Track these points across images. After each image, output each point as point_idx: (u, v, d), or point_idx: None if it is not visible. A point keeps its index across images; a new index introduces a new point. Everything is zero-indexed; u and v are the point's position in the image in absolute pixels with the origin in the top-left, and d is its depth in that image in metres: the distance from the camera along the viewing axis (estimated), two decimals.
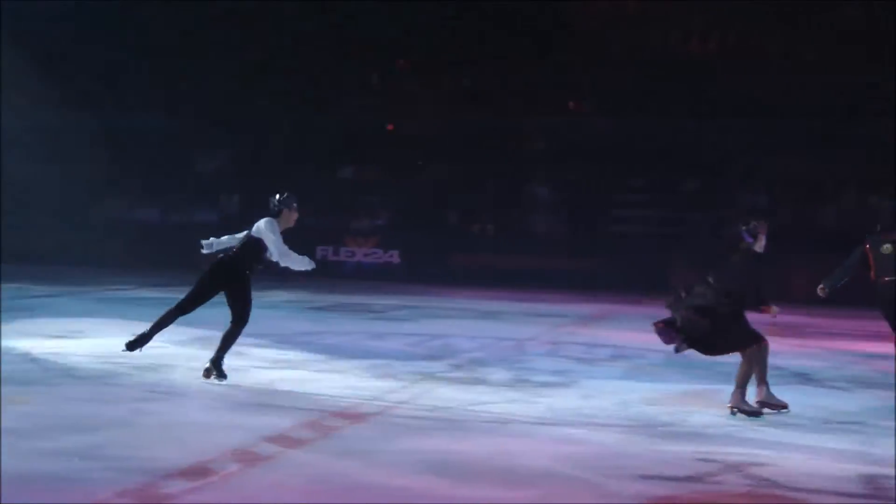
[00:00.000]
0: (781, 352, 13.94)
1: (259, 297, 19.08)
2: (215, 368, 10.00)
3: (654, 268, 20.37)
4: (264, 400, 9.26)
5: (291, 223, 10.20)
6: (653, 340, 14.55)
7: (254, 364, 11.29)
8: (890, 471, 7.20)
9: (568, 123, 28.55)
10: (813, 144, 27.62)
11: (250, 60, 29.22)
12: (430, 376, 10.88)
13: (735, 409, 9.20)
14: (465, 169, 27.97)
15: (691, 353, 13.26)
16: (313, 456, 7.35)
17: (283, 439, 7.71)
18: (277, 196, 10.17)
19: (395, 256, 25.66)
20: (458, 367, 11.67)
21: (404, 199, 27.39)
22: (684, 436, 8.40)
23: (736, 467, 7.21)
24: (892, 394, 10.77)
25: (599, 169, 27.54)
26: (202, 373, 10.00)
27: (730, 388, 9.90)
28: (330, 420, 8.48)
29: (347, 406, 9.03)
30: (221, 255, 10.18)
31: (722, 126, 28.15)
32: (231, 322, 10.06)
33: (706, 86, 28.61)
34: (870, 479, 6.99)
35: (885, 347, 14.68)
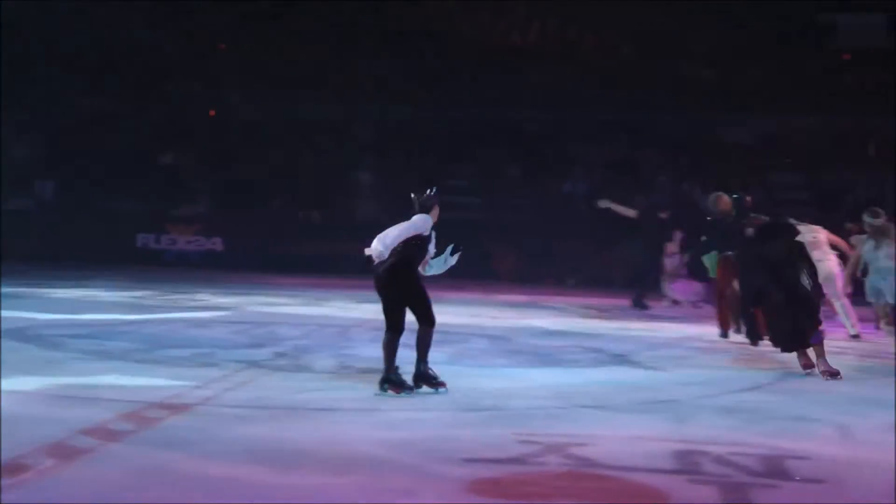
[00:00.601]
0: (601, 334, 14.35)
1: (76, 287, 18.69)
2: (425, 381, 9.54)
3: (478, 253, 20.53)
4: (81, 392, 9.01)
5: (436, 219, 9.84)
6: (477, 325, 14.84)
7: (70, 355, 10.99)
8: (702, 447, 7.45)
9: (392, 110, 28.63)
10: (630, 132, 28.47)
11: (68, 41, 28.35)
12: (255, 364, 10.77)
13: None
14: (289, 155, 27.75)
15: (517, 339, 13.54)
16: (133, 448, 7.18)
17: (101, 432, 7.52)
18: (428, 191, 9.92)
19: (218, 244, 25.29)
20: (282, 354, 11.59)
21: (227, 186, 27.01)
22: (507, 418, 8.52)
23: (557, 448, 7.35)
24: (705, 372, 11.19)
25: (424, 155, 27.72)
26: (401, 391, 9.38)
27: (555, 372, 10.15)
28: (150, 411, 8.30)
29: (168, 396, 8.86)
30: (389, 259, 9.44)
31: (542, 113, 28.72)
32: (419, 326, 9.60)
33: (527, 73, 29.12)
34: (684, 455, 7.22)
35: (700, 328, 15.26)
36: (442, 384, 9.50)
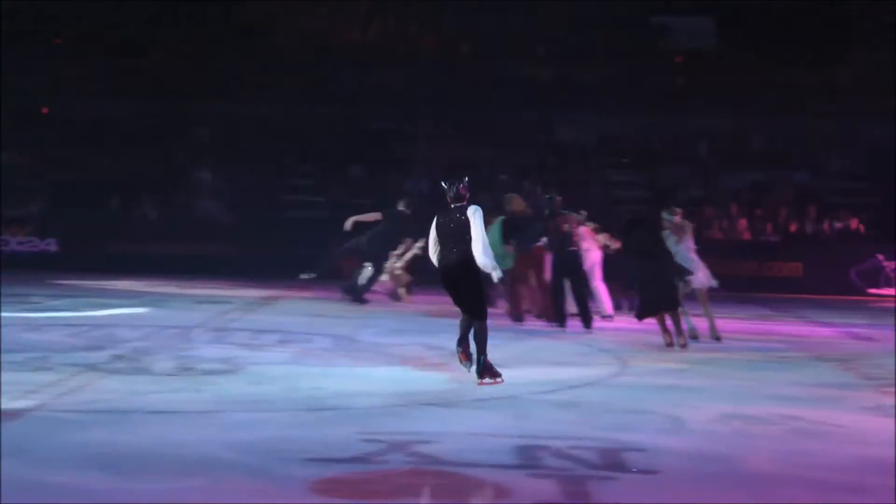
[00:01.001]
0: (442, 332, 14.44)
1: None
2: (488, 373, 9.99)
3: (321, 253, 20.38)
4: None
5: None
6: (320, 325, 14.79)
7: None
8: (542, 442, 7.60)
9: (233, 109, 28.32)
10: (470, 131, 28.79)
11: None
12: (92, 368, 10.52)
13: None
14: (125, 153, 27.17)
15: (359, 337, 13.55)
16: None
17: None
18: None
19: (52, 244, 24.59)
20: (120, 357, 11.35)
21: (61, 185, 26.29)
22: (350, 418, 8.54)
23: (400, 446, 7.40)
24: (545, 368, 11.40)
25: (267, 154, 27.51)
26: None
27: (398, 371, 10.19)
28: None
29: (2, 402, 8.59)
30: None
31: (384, 111, 28.82)
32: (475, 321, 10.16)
33: (369, 72, 29.16)
34: (524, 451, 7.35)
35: (535, 324, 15.54)
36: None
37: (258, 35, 29.90)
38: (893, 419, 8.76)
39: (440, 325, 15.29)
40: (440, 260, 10.11)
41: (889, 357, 12.93)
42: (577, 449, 7.39)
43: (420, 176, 27.76)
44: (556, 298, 15.24)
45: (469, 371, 10.06)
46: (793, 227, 26.18)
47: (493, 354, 12.24)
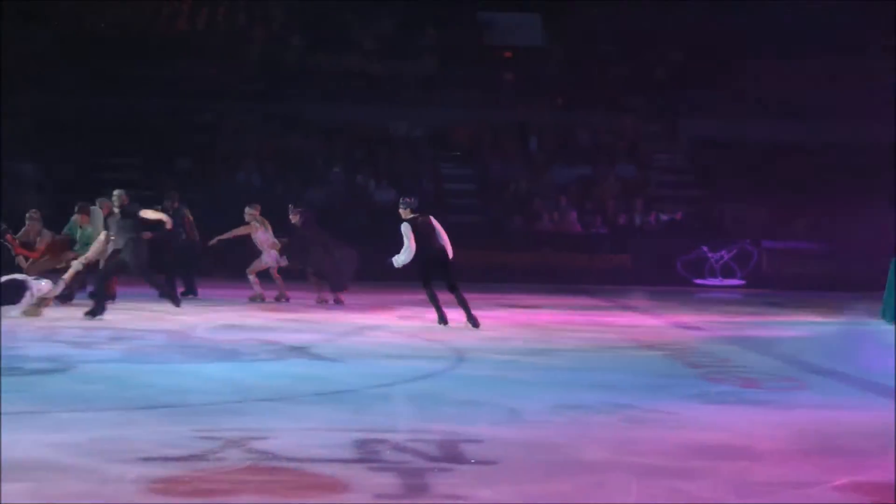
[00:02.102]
0: (278, 327, 14.35)
1: None
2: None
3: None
4: None
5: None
6: (153, 323, 14.50)
7: None
8: (380, 435, 7.60)
9: (51, 99, 27.52)
10: (301, 124, 28.67)
11: None
12: None
13: None
14: None
15: (193, 334, 13.32)
16: None
17: None
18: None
19: None
20: None
21: None
22: (184, 415, 8.38)
23: (236, 443, 7.30)
24: (382, 361, 11.43)
25: (89, 146, 26.82)
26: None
27: (233, 366, 10.04)
28: None
29: None
30: None
31: (211, 104, 28.44)
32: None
33: (194, 63, 28.76)
34: (362, 444, 7.33)
35: (375, 319, 15.56)
36: None
37: (80, 25, 29.14)
38: (717, 406, 9.10)
39: (276, 320, 15.21)
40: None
41: (713, 345, 13.40)
42: (415, 441, 7.42)
43: (251, 170, 27.49)
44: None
45: None
46: (621, 220, 26.86)
47: (331, 347, 12.28)
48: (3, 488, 6.18)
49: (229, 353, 11.82)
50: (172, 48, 29.01)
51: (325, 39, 30.14)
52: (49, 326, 13.93)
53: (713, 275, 25.10)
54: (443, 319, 14.77)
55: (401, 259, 14.63)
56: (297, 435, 7.65)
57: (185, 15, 31.00)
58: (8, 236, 16.88)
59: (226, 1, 31.09)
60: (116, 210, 15.39)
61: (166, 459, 6.85)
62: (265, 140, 28.49)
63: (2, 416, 8.03)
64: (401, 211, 14.83)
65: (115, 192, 15.56)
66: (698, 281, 24.99)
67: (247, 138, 28.37)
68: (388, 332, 14.26)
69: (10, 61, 27.05)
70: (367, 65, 30.36)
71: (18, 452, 6.98)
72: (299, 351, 12.10)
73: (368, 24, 30.67)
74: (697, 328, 15.85)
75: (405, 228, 14.56)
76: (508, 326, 15.46)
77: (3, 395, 9.00)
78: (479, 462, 6.99)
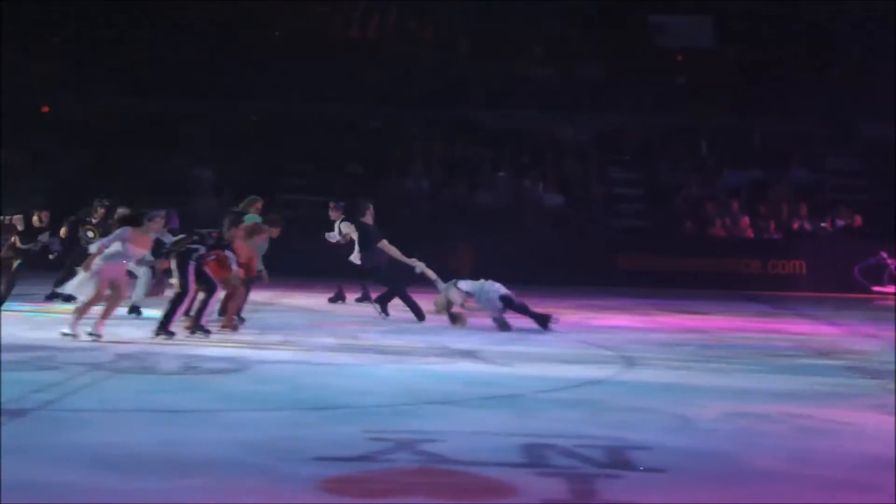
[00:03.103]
0: (445, 330, 14.45)
1: None
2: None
3: (315, 252, 20.21)
4: None
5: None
6: (323, 325, 14.76)
7: None
8: (548, 440, 7.58)
9: (231, 107, 28.30)
10: (468, 129, 28.81)
11: None
12: (97, 367, 10.51)
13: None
14: (120, 153, 27.13)
15: (364, 336, 13.51)
16: None
17: None
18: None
19: (55, 244, 24.45)
20: (125, 356, 11.34)
21: (59, 184, 26.22)
22: (355, 416, 8.52)
23: (407, 445, 7.38)
24: (550, 366, 11.38)
25: (263, 152, 27.47)
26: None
27: (403, 369, 10.15)
28: None
29: (7, 401, 8.57)
30: None
31: (381, 110, 28.80)
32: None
33: (365, 69, 29.15)
34: (530, 449, 7.33)
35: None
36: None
37: (256, 33, 29.90)
38: (894, 416, 8.77)
39: (443, 324, 15.30)
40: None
41: (892, 354, 12.95)
42: (582, 447, 7.37)
43: (419, 175, 27.74)
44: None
45: None
46: (795, 225, 26.19)
47: (495, 354, 12.29)
48: (180, 483, 6.40)
49: (400, 357, 11.96)
50: (343, 54, 29.50)
51: (493, 44, 30.22)
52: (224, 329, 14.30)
53: (893, 282, 24.22)
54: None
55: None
56: (466, 438, 7.69)
57: (356, 21, 31.51)
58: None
59: (396, 6, 31.47)
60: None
61: (338, 459, 6.98)
62: (433, 145, 28.73)
63: (169, 414, 8.33)
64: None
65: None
66: (876, 288, 24.15)
67: (415, 144, 28.67)
68: (555, 337, 14.20)
69: (189, 69, 27.98)
70: (534, 69, 30.32)
71: (196, 449, 7.21)
72: (468, 355, 12.16)
73: (537, 29, 30.63)
74: (876, 337, 15.32)
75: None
76: (679, 332, 15.24)
77: (183, 392, 9.34)
78: (647, 469, 6.91)
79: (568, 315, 17.06)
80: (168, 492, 6.24)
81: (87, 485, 6.32)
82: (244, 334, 13.45)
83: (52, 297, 16.37)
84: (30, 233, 14.75)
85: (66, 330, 12.33)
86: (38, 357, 10.96)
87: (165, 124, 28.09)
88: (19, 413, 8.21)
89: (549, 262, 23.78)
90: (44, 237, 15.39)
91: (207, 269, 12.97)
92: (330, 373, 10.70)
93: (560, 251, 24.49)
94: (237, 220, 14.06)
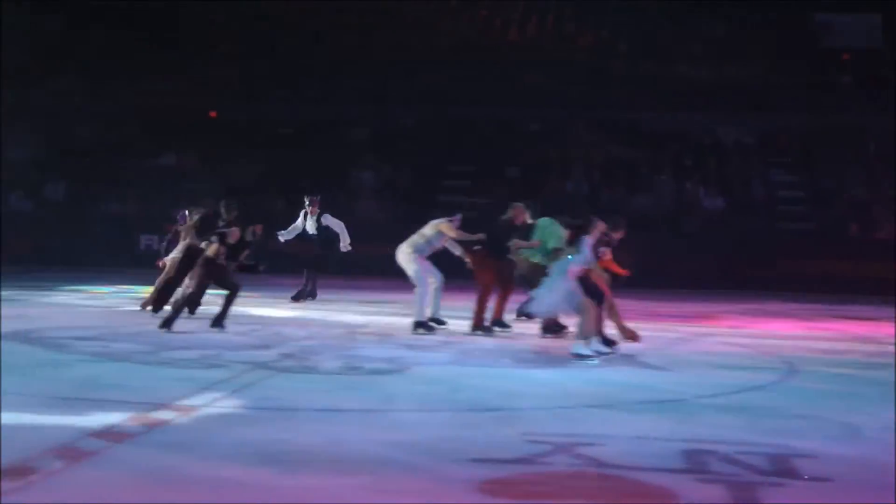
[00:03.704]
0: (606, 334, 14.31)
1: (82, 289, 18.67)
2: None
3: None
4: (88, 395, 9.01)
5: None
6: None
7: (78, 358, 11.00)
8: (709, 446, 7.45)
9: (390, 110, 28.65)
10: (627, 132, 28.53)
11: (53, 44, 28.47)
12: (261, 366, 10.76)
13: None
14: (287, 155, 27.75)
15: (522, 340, 13.52)
16: (141, 450, 7.18)
17: (109, 434, 7.52)
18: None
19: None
20: (288, 355, 11.58)
21: (227, 187, 26.97)
22: (513, 418, 8.52)
23: (564, 448, 7.35)
24: (712, 371, 11.19)
25: (424, 155, 27.73)
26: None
27: (562, 372, 10.13)
28: (158, 413, 8.30)
29: (175, 397, 8.85)
30: None
31: (541, 112, 28.77)
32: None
33: (524, 72, 29.15)
34: (691, 455, 7.21)
35: (704, 328, 15.28)
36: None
37: (416, 36, 30.21)
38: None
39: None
40: None
41: None
42: (745, 454, 7.22)
43: (578, 178, 27.62)
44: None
45: None
46: None
47: (655, 358, 12.13)
48: (341, 481, 6.49)
49: (558, 359, 11.92)
50: (503, 57, 29.57)
51: (654, 46, 29.89)
52: (386, 329, 14.50)
53: None
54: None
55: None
56: (624, 442, 7.62)
57: (516, 24, 31.56)
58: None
59: (554, 9, 31.40)
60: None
61: (496, 461, 6.99)
62: (592, 148, 28.57)
63: (331, 413, 8.47)
64: None
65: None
66: None
67: (574, 146, 28.54)
68: (716, 342, 13.96)
69: (352, 74, 28.43)
70: (695, 70, 29.88)
71: (357, 448, 7.32)
72: (627, 358, 12.03)
73: (698, 29, 30.18)
74: None
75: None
76: (844, 339, 14.81)
77: (344, 392, 9.49)
78: (812, 478, 6.73)
79: (729, 319, 16.77)
80: (329, 489, 6.35)
81: (250, 481, 6.46)
82: (404, 335, 13.59)
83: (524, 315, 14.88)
84: (241, 245, 14.12)
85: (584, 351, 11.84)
86: (206, 356, 11.27)
87: (329, 128, 28.59)
88: (187, 410, 8.47)
89: (709, 265, 23.42)
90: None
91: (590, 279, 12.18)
92: (488, 375, 10.73)
93: (721, 255, 24.08)
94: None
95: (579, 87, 29.27)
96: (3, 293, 17.39)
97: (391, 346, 12.70)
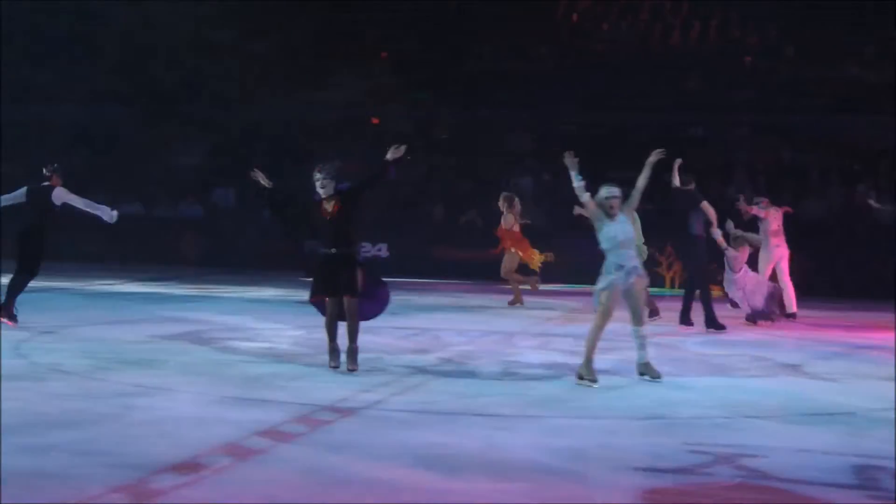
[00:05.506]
0: (770, 342, 14.01)
1: (248, 291, 19.17)
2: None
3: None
4: (254, 394, 9.24)
5: None
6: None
7: (244, 358, 11.28)
8: (881, 462, 7.20)
9: (548, 117, 28.58)
10: (795, 136, 27.83)
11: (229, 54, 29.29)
12: (420, 370, 10.86)
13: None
14: (447, 161, 27.93)
15: (683, 346, 13.32)
16: (304, 450, 7.33)
17: (274, 433, 7.70)
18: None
19: (383, 250, 25.52)
20: (447, 360, 11.66)
21: (388, 193, 27.29)
22: (674, 427, 8.40)
23: (727, 459, 7.21)
24: (883, 384, 10.80)
25: (583, 162, 27.57)
26: None
27: (724, 381, 9.96)
28: (320, 414, 8.46)
29: (338, 399, 9.01)
30: None
31: (703, 117, 28.30)
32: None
33: (685, 80, 28.73)
34: (861, 470, 6.99)
35: (874, 338, 14.77)
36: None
37: (576, 42, 30.09)
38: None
39: (769, 336, 14.85)
40: None
41: None
42: None
43: (742, 183, 27.06)
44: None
45: None
46: None
47: (825, 366, 11.78)
48: (500, 486, 6.50)
49: (719, 368, 11.70)
50: (664, 62, 29.20)
51: (820, 48, 29.09)
52: (544, 334, 14.46)
53: None
54: None
55: None
56: (789, 455, 7.43)
57: (677, 29, 31.15)
58: None
59: (719, 14, 30.87)
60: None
61: (656, 471, 6.90)
62: (757, 153, 27.95)
63: (490, 418, 8.47)
64: None
65: None
66: None
67: (738, 151, 27.97)
68: (886, 352, 13.47)
69: (512, 81, 28.46)
70: (865, 73, 28.95)
71: (516, 453, 7.31)
72: (791, 369, 11.73)
73: (867, 30, 29.24)
74: None
75: None
76: None
77: (503, 397, 9.50)
78: None
79: None
80: (489, 494, 6.36)
81: (410, 483, 6.53)
82: (562, 342, 13.54)
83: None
84: None
85: None
86: (367, 359, 11.42)
87: (489, 134, 28.68)
88: (349, 412, 8.60)
89: (882, 274, 22.62)
90: None
91: None
92: (648, 382, 10.58)
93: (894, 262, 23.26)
94: None
95: (743, 91, 28.69)
96: (176, 293, 18.04)
97: (549, 351, 12.65)
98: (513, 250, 18.07)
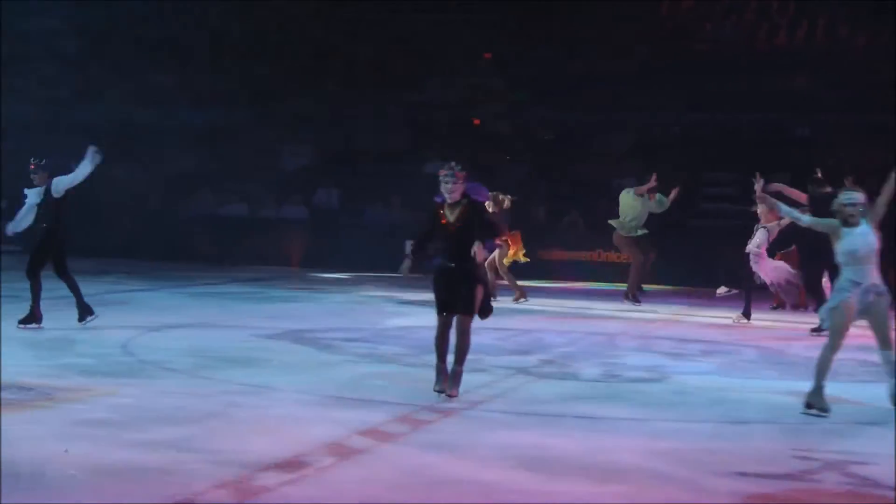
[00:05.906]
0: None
1: (351, 292, 19.33)
2: None
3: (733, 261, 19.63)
4: (357, 394, 9.31)
5: None
6: (746, 337, 14.40)
7: (346, 358, 11.38)
8: None
9: (653, 117, 28.33)
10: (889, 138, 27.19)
11: (334, 55, 29.55)
12: (522, 371, 10.85)
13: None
14: (549, 162, 27.85)
15: (788, 350, 13.08)
16: (405, 449, 7.38)
17: (376, 433, 7.75)
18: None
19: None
20: (548, 362, 11.63)
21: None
22: (779, 432, 8.26)
23: (835, 465, 7.07)
24: None
25: (686, 162, 27.26)
26: None
27: (831, 386, 9.74)
28: (421, 414, 8.50)
29: (439, 400, 9.03)
30: None
31: (810, 117, 27.82)
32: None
33: (790, 80, 28.24)
34: None
35: None
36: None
37: (680, 41, 29.78)
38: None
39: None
40: None
41: None
42: None
43: (839, 184, 26.49)
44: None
45: None
46: None
47: None
48: (600, 489, 6.45)
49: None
50: (769, 62, 28.75)
51: None
52: (646, 336, 14.34)
53: None
54: None
55: None
56: None
57: (784, 28, 30.64)
58: None
59: (827, 13, 30.28)
60: None
61: (761, 476, 6.79)
62: (862, 154, 27.34)
63: (591, 420, 8.41)
64: None
65: None
66: None
67: (843, 152, 27.39)
68: None
69: (608, 83, 28.26)
70: None
71: (617, 456, 7.26)
72: None
73: None
74: None
75: None
76: None
77: (604, 399, 9.43)
78: None
79: None
80: (589, 497, 6.33)
81: (510, 485, 6.53)
82: (664, 343, 13.41)
83: None
84: None
85: None
86: (468, 360, 11.42)
87: (592, 135, 28.53)
88: (450, 412, 8.62)
89: None
90: None
91: None
92: (752, 386, 10.43)
93: None
94: None
95: (849, 91, 28.11)
96: (279, 294, 18.27)
97: (652, 354, 12.54)
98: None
